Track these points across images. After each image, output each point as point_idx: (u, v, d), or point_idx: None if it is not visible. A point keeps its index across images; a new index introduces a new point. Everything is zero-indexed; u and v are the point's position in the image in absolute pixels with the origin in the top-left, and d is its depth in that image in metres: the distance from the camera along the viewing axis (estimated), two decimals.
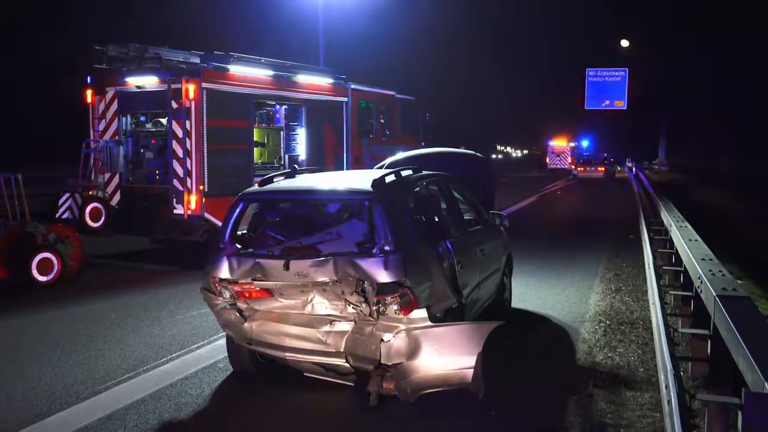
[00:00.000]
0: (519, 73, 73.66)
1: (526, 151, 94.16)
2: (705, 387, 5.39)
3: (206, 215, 11.28)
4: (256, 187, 6.28)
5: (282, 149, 13.96)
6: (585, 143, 75.32)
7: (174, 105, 11.27)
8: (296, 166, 13.14)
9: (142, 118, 12.76)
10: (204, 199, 11.26)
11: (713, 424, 4.35)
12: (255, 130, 12.89)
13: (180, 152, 11.26)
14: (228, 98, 11.79)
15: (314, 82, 14.21)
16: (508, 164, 78.52)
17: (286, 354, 5.57)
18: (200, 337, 7.35)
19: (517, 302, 8.86)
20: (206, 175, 11.32)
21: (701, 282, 5.19)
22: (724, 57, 52.59)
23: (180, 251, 11.97)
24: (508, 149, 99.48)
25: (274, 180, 6.36)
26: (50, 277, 9.64)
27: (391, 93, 17.34)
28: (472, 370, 5.01)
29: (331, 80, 14.78)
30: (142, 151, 12.55)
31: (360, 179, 6.10)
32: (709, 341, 4.94)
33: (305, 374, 5.87)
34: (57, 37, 30.44)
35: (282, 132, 13.98)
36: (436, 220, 6.37)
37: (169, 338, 7.33)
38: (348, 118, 15.21)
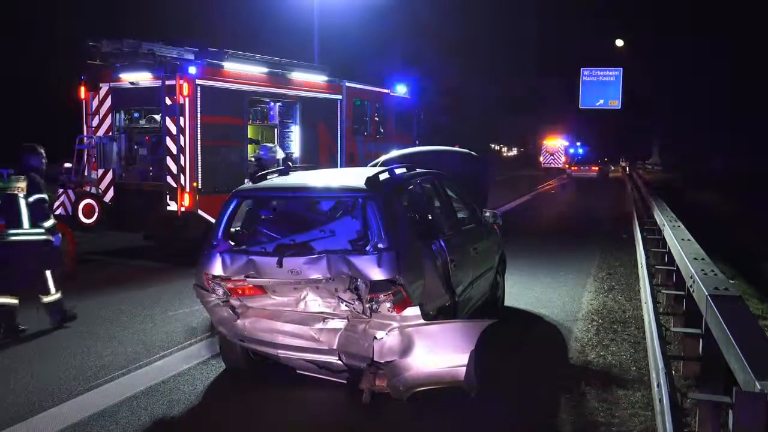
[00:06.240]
0: (514, 72, 73.63)
1: (520, 150, 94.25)
2: (697, 386, 5.41)
3: (200, 212, 11.25)
4: (249, 184, 6.27)
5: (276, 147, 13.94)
6: (578, 143, 75.50)
7: (168, 101, 11.23)
8: (290, 163, 13.12)
9: (136, 115, 12.71)
10: (198, 196, 11.23)
11: (705, 422, 4.37)
12: (249, 127, 12.85)
13: (174, 149, 11.22)
14: (222, 95, 11.75)
15: (309, 79, 14.19)
16: (517, 161, 78.91)
17: (279, 351, 5.56)
18: (193, 334, 7.34)
19: (510, 300, 8.87)
20: (200, 172, 11.29)
21: (693, 281, 5.21)
22: (719, 56, 52.80)
23: (172, 248, 11.92)
24: (513, 149, 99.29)
25: (268, 177, 6.36)
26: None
27: (386, 91, 17.33)
28: (465, 368, 5.02)
29: (325, 78, 14.76)
30: (135, 147, 12.50)
31: (354, 177, 6.10)
32: (701, 340, 4.96)
33: (298, 372, 5.87)
34: (52, 34, 30.33)
35: (276, 129, 13.94)
36: (430, 218, 6.38)
37: (162, 335, 7.31)
38: (342, 115, 15.19)
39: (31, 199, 7.46)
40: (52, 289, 7.56)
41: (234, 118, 12.11)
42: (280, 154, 13.11)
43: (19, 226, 7.39)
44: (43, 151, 7.90)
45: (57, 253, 7.80)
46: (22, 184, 7.46)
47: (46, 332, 7.38)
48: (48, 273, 7.55)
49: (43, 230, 7.46)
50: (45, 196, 7.65)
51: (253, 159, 12.75)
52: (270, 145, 13.03)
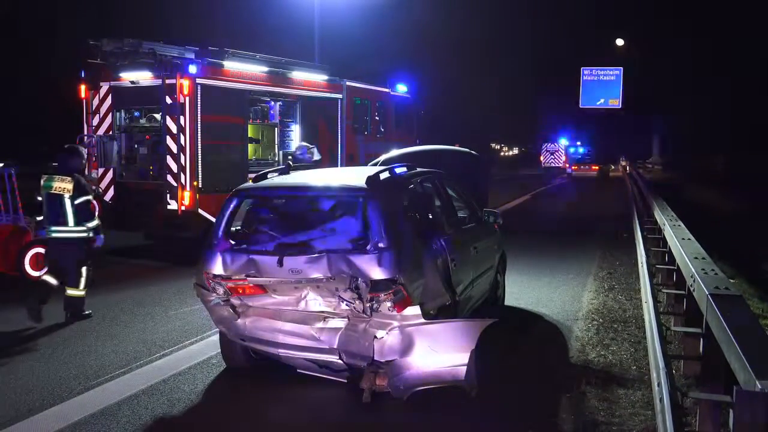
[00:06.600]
0: (514, 71, 73.63)
1: (521, 150, 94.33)
2: (697, 385, 5.42)
3: (200, 211, 11.25)
4: (250, 183, 6.27)
5: (276, 146, 13.94)
6: (579, 142, 75.50)
7: (168, 100, 11.23)
8: (290, 162, 13.11)
9: (136, 114, 12.72)
10: (198, 195, 11.24)
11: (705, 421, 4.38)
12: (249, 126, 12.85)
13: (174, 148, 11.22)
14: (222, 94, 11.75)
15: (309, 78, 14.19)
16: (517, 161, 79.07)
17: (280, 350, 5.56)
18: (193, 333, 7.34)
19: (510, 300, 8.87)
20: (200, 171, 11.29)
21: (694, 281, 5.21)
22: (719, 56, 52.80)
23: (173, 247, 11.93)
24: (513, 149, 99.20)
25: (269, 176, 6.35)
26: (43, 271, 9.57)
27: (386, 90, 17.33)
28: (465, 367, 5.02)
29: (326, 77, 14.76)
30: (135, 146, 12.50)
31: (354, 176, 6.10)
32: (701, 339, 4.96)
33: (298, 371, 5.87)
34: (52, 34, 30.35)
35: (276, 128, 13.94)
36: (430, 217, 6.37)
37: (162, 334, 7.31)
38: (343, 114, 15.19)
39: (77, 201, 7.77)
40: (82, 284, 7.87)
41: (234, 117, 12.11)
42: (317, 156, 13.10)
43: (65, 225, 7.74)
44: (84, 151, 8.13)
45: (93, 250, 8.12)
46: (69, 186, 7.73)
47: (47, 331, 7.38)
48: (84, 269, 7.85)
49: (85, 228, 7.81)
50: (90, 197, 7.98)
51: (290, 157, 12.77)
52: (308, 145, 13.03)
